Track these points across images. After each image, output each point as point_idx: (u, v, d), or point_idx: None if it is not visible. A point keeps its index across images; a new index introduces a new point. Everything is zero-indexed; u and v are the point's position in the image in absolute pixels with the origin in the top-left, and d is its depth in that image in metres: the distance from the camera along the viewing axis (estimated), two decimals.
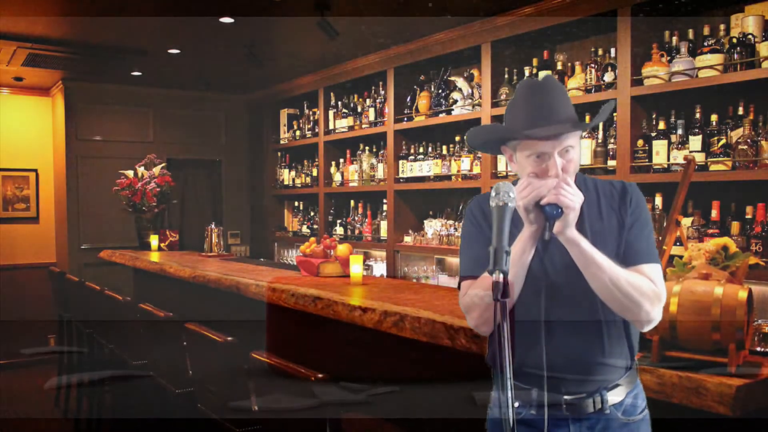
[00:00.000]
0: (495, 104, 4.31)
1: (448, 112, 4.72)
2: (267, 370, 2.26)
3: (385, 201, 5.33)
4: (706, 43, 3.30)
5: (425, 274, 4.88)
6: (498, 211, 1.44)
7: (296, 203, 6.81)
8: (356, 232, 5.67)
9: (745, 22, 3.20)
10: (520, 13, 4.05)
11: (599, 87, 3.75)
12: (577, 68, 3.92)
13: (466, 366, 2.23)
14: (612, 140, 3.72)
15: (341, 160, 5.92)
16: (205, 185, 7.25)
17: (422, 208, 5.18)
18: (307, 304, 2.99)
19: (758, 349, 1.96)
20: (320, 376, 2.06)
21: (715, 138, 3.26)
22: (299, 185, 6.56)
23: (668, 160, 3.41)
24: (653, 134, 3.48)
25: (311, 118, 6.37)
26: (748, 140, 3.11)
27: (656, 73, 3.42)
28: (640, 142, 3.51)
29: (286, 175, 6.75)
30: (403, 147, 5.17)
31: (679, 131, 3.39)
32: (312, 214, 6.47)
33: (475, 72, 4.61)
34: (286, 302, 3.14)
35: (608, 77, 3.70)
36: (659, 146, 3.43)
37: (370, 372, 2.84)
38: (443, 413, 2.45)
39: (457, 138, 4.73)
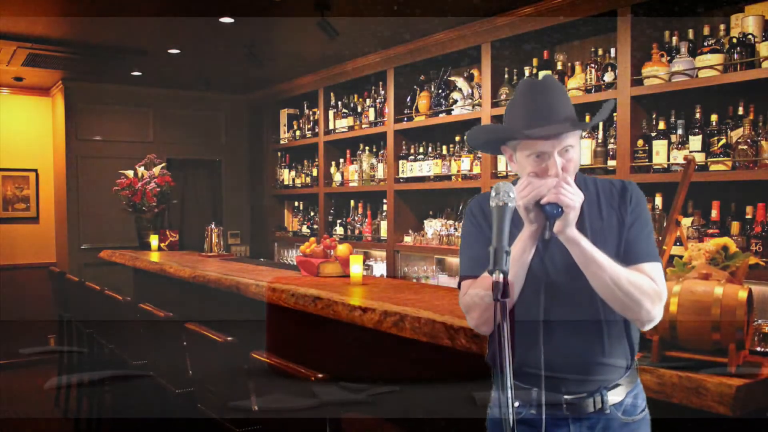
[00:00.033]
0: (495, 104, 4.31)
1: (448, 112, 4.72)
2: (267, 370, 2.26)
3: (385, 201, 5.33)
4: (706, 43, 3.30)
5: (425, 274, 4.88)
6: (498, 211, 1.44)
7: (296, 203, 6.81)
8: (356, 232, 5.67)
9: (745, 22, 3.20)
10: (520, 13, 4.05)
11: (599, 87, 3.75)
12: (577, 68, 3.92)
13: (466, 366, 2.23)
14: (612, 140, 3.72)
15: (341, 160, 5.92)
16: (205, 185, 7.25)
17: (422, 208, 5.18)
18: (307, 304, 2.99)
19: (758, 349, 1.96)
20: (320, 376, 2.06)
21: (715, 138, 3.26)
22: (299, 185, 6.56)
23: (668, 160, 3.41)
24: (653, 134, 3.48)
25: (311, 118, 6.37)
26: (748, 140, 3.11)
27: (656, 73, 3.42)
28: (640, 142, 3.51)
29: (286, 175, 6.75)
30: (403, 147, 5.17)
31: (679, 131, 3.39)
32: (312, 214, 6.47)
33: (475, 72, 4.61)
34: (286, 302, 3.14)
35: (608, 77, 3.70)
36: (659, 146, 3.43)
37: (370, 372, 2.84)
38: (443, 413, 2.45)
39: (457, 138, 4.73)
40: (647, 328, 1.62)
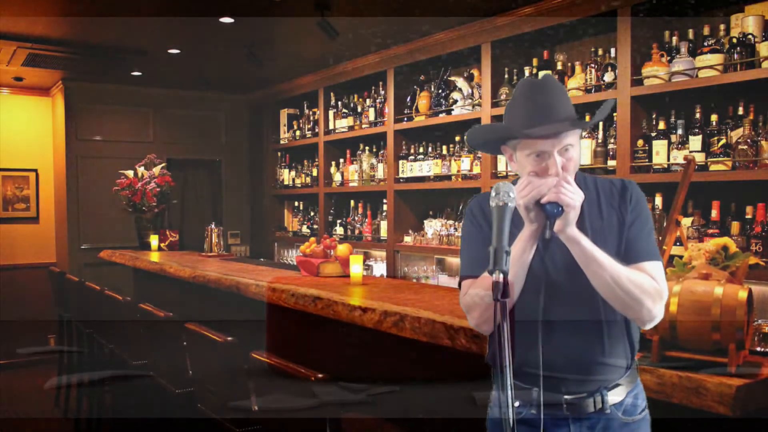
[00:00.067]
0: (495, 104, 4.31)
1: (448, 112, 4.72)
2: (267, 370, 2.26)
3: (385, 201, 5.33)
4: (706, 43, 3.30)
5: (425, 274, 4.88)
6: (498, 211, 1.44)
7: (296, 203, 6.81)
8: (356, 232, 5.67)
9: (745, 22, 3.20)
10: (520, 13, 4.05)
11: (599, 87, 3.75)
12: (577, 68, 3.92)
13: (466, 366, 2.23)
14: (612, 140, 3.72)
15: (341, 160, 5.92)
16: (205, 185, 7.25)
17: (422, 208, 5.18)
18: (307, 304, 2.99)
19: (758, 349, 1.96)
20: (320, 376, 2.06)
21: (715, 138, 3.26)
22: (299, 185, 6.56)
23: (668, 160, 3.41)
24: (653, 134, 3.47)
25: (311, 118, 6.37)
26: (748, 140, 3.11)
27: (656, 73, 3.42)
28: (640, 142, 3.51)
29: (286, 175, 6.75)
30: (403, 147, 5.17)
31: (679, 131, 3.39)
32: (312, 214, 6.47)
33: (475, 72, 4.61)
34: (286, 302, 3.14)
35: (608, 77, 3.70)
36: (659, 146, 3.43)
37: (370, 372, 2.84)
38: (443, 413, 2.45)
39: (457, 138, 4.73)
40: (648, 327, 1.62)
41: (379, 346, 2.80)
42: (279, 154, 6.91)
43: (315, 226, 6.29)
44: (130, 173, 5.78)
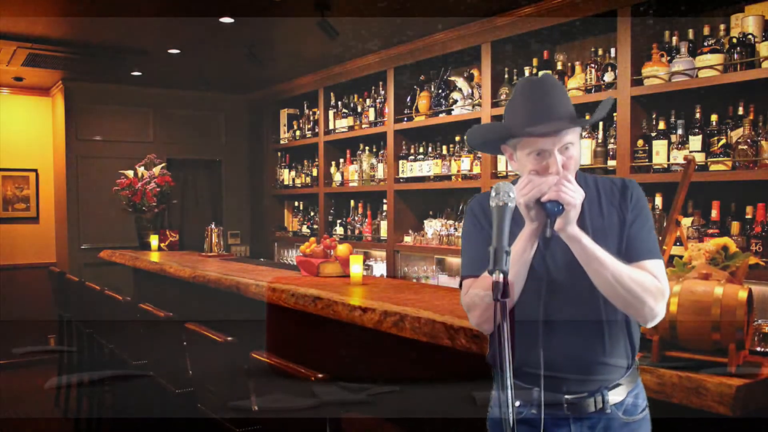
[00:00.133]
0: (495, 104, 4.31)
1: (448, 112, 4.72)
2: (267, 370, 2.26)
3: (385, 201, 5.33)
4: (706, 43, 3.30)
5: (425, 274, 4.89)
6: (498, 210, 1.44)
7: (296, 203, 6.81)
8: (356, 232, 5.67)
9: (745, 22, 3.20)
10: (520, 13, 4.05)
11: (599, 87, 3.75)
12: (577, 68, 3.92)
13: (466, 366, 2.23)
14: (612, 140, 3.72)
15: (341, 160, 5.92)
16: (205, 185, 7.25)
17: (422, 208, 5.18)
18: (307, 304, 2.99)
19: (758, 349, 1.96)
20: (320, 376, 2.06)
21: (715, 138, 3.26)
22: (299, 185, 6.56)
23: (668, 160, 3.41)
24: (653, 134, 3.48)
25: (311, 118, 6.37)
26: (748, 140, 3.11)
27: (656, 73, 3.42)
28: (640, 142, 3.51)
29: (286, 175, 6.75)
30: (403, 147, 5.17)
31: (679, 131, 3.39)
32: (312, 214, 6.47)
33: (475, 72, 4.61)
34: (286, 302, 3.14)
35: (608, 77, 3.70)
36: (659, 146, 3.43)
37: (370, 372, 2.84)
38: (443, 413, 2.45)
39: (457, 138, 4.73)
40: (650, 325, 1.61)
41: (379, 346, 2.80)
42: (279, 154, 6.91)
43: (315, 226, 6.29)
44: (130, 173, 5.78)
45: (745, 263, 1.87)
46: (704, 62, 3.25)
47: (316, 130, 6.18)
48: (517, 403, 1.64)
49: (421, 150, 5.02)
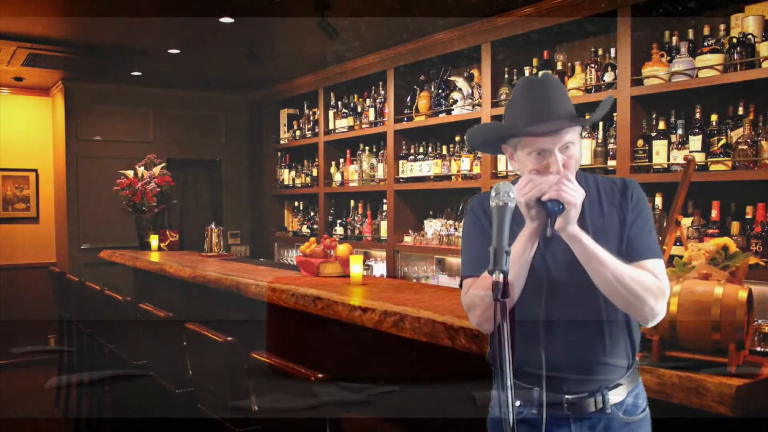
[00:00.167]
0: (495, 104, 4.31)
1: (448, 112, 4.72)
2: (267, 370, 2.26)
3: (385, 201, 5.33)
4: (706, 43, 3.30)
5: (425, 274, 4.89)
6: (498, 211, 1.44)
7: (296, 203, 6.81)
8: (356, 232, 5.67)
9: (745, 22, 3.20)
10: (520, 13, 4.05)
11: (599, 87, 3.75)
12: (577, 68, 3.92)
13: (466, 366, 2.23)
14: (612, 140, 3.72)
15: (341, 160, 5.92)
16: (205, 185, 7.25)
17: (422, 208, 5.18)
18: (307, 304, 2.99)
19: (758, 349, 1.96)
20: (320, 376, 2.06)
21: (715, 138, 3.26)
22: (299, 185, 6.56)
23: (668, 160, 3.41)
24: (653, 134, 3.47)
25: (311, 118, 6.37)
26: (748, 140, 3.11)
27: (656, 73, 3.42)
28: (640, 142, 3.51)
29: (286, 175, 6.75)
30: (403, 147, 5.17)
31: (679, 131, 3.39)
32: (312, 214, 6.47)
33: (475, 72, 4.61)
34: (286, 302, 3.14)
35: (608, 77, 3.70)
36: (659, 146, 3.43)
37: (370, 372, 2.84)
38: (443, 413, 2.45)
39: (457, 138, 4.73)
40: (651, 324, 1.61)
41: (379, 346, 2.80)
42: (279, 154, 6.91)
43: (315, 226, 6.29)
44: (130, 173, 5.78)
45: (745, 263, 1.87)
46: (704, 62, 3.25)
47: (316, 130, 6.18)
48: (518, 403, 1.64)
49: (421, 150, 5.02)
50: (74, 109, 6.44)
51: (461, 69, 4.91)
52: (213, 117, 7.16)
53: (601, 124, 3.74)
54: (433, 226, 4.90)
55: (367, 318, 2.62)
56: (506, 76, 4.30)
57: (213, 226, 5.57)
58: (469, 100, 4.59)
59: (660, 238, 1.99)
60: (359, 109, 5.65)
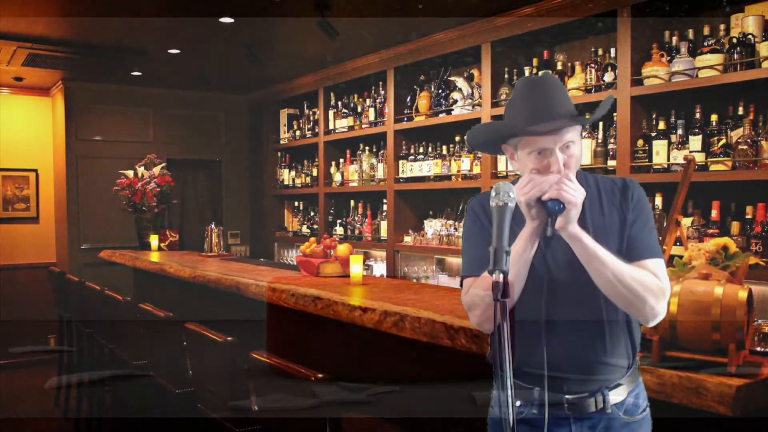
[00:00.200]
0: (495, 104, 4.31)
1: (448, 112, 4.72)
2: (267, 370, 2.26)
3: (385, 201, 5.33)
4: (706, 43, 3.30)
5: (425, 274, 4.88)
6: (498, 210, 1.44)
7: (296, 203, 6.81)
8: (356, 232, 5.67)
9: (745, 22, 3.20)
10: (520, 13, 4.05)
11: (599, 87, 3.75)
12: (577, 68, 3.92)
13: (466, 366, 2.23)
14: (612, 140, 3.72)
15: (341, 160, 5.92)
16: (205, 185, 7.25)
17: (422, 208, 5.18)
18: (307, 304, 2.99)
19: (758, 349, 1.96)
20: (320, 376, 2.06)
21: (715, 138, 3.26)
22: (299, 185, 6.56)
23: (668, 160, 3.41)
24: (653, 134, 3.48)
25: (311, 118, 6.37)
26: (748, 140, 3.11)
27: (656, 73, 3.42)
28: (640, 142, 3.51)
29: (286, 175, 6.75)
30: (403, 147, 5.17)
31: (679, 131, 3.39)
32: (312, 214, 6.47)
33: (475, 72, 4.61)
34: (286, 302, 3.14)
35: (608, 77, 3.70)
36: (659, 146, 3.43)
37: (370, 372, 2.84)
38: (443, 413, 2.45)
39: (457, 138, 4.73)
40: (651, 324, 1.61)
41: (379, 346, 2.80)
42: (279, 154, 6.91)
43: (315, 226, 6.29)
44: (130, 173, 5.78)
45: (745, 263, 1.87)
46: (704, 62, 3.25)
47: (316, 130, 6.18)
48: (518, 403, 1.64)
49: (421, 150, 5.02)
50: (74, 109, 6.44)
51: (461, 69, 4.91)
52: (213, 117, 7.16)
53: (601, 124, 3.74)
54: (433, 226, 4.90)
55: (367, 318, 2.62)
56: (506, 76, 4.30)
57: (213, 226, 5.57)
58: (469, 100, 4.59)
59: (660, 238, 1.99)
60: (359, 109, 5.65)
